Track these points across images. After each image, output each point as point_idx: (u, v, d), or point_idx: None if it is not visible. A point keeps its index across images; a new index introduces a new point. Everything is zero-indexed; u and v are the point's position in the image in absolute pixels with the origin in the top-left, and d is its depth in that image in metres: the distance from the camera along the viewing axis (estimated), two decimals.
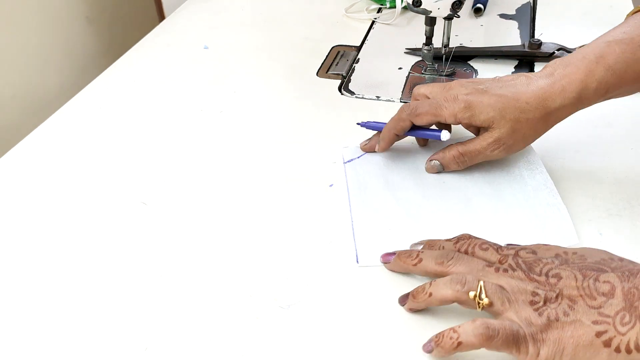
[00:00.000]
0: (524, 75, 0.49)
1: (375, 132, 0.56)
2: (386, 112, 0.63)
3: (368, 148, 0.56)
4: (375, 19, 0.84)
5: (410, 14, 0.84)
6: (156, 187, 0.54)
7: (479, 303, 0.36)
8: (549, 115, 0.48)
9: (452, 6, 0.61)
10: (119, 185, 0.54)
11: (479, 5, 0.83)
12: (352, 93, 0.67)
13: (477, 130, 0.52)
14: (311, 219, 0.49)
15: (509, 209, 0.49)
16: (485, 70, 0.70)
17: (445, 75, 0.68)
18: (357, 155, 0.56)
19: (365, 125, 0.56)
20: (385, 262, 0.44)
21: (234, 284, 0.44)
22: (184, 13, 0.89)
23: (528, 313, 0.35)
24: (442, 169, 0.52)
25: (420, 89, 0.54)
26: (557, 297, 0.35)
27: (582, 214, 0.48)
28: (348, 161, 0.56)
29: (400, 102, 0.65)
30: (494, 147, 0.49)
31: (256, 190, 0.53)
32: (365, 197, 0.51)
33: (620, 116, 0.59)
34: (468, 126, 0.51)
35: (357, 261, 0.45)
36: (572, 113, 0.49)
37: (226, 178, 0.55)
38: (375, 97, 0.66)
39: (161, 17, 1.12)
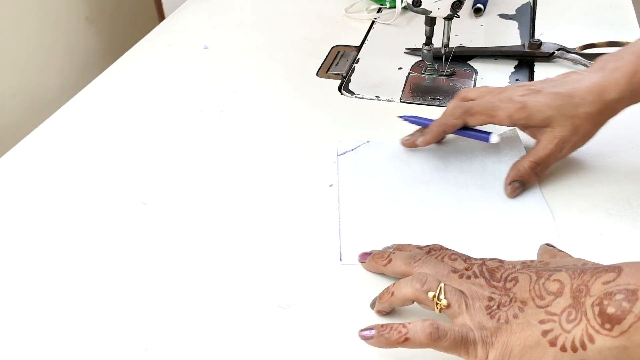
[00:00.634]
0: (574, 73, 0.50)
1: (418, 127, 0.55)
2: (386, 112, 0.63)
3: (409, 144, 0.55)
4: (375, 19, 0.84)
5: (410, 14, 0.84)
6: (156, 187, 0.54)
7: (437, 304, 0.36)
8: (606, 108, 0.48)
9: (452, 6, 0.61)
10: (119, 185, 0.54)
11: (479, 5, 0.83)
12: (352, 93, 0.67)
13: (533, 133, 0.51)
14: (311, 219, 0.49)
15: (497, 213, 0.49)
16: (485, 70, 0.70)
17: (445, 75, 0.68)
18: (351, 148, 0.56)
19: (409, 119, 0.55)
20: (361, 262, 0.45)
21: (234, 284, 0.44)
22: (184, 13, 0.89)
23: (481, 317, 0.35)
24: (524, 187, 0.50)
25: (469, 93, 0.53)
26: (510, 300, 0.35)
27: (582, 214, 0.48)
28: (342, 154, 0.56)
29: (400, 102, 0.65)
30: (560, 147, 0.49)
31: (256, 190, 0.53)
32: (355, 194, 0.51)
33: (619, 116, 0.59)
34: (524, 127, 0.50)
35: (341, 259, 0.45)
36: (627, 106, 0.48)
37: (226, 178, 0.55)
38: (375, 97, 0.66)
39: (161, 17, 1.12)
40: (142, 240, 0.48)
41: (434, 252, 0.42)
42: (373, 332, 0.36)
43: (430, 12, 0.62)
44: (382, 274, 0.44)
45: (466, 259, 0.40)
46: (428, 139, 0.52)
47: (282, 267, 0.45)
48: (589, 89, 0.47)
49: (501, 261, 0.39)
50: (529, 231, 0.47)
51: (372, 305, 0.41)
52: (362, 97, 0.66)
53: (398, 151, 0.56)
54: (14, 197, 0.54)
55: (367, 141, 0.58)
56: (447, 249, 0.42)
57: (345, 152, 0.56)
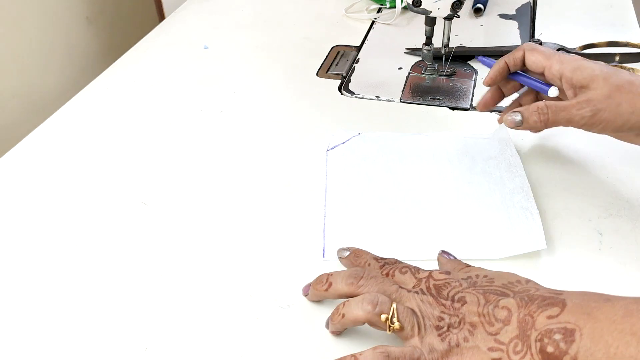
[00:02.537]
0: None
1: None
2: (386, 112, 0.63)
3: (482, 105, 0.56)
4: (375, 19, 0.84)
5: (410, 14, 0.85)
6: (156, 187, 0.54)
7: (389, 327, 0.36)
8: None
9: (452, 6, 0.61)
10: (119, 185, 0.54)
11: (479, 5, 0.83)
12: (352, 93, 0.67)
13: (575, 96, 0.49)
14: (312, 219, 0.49)
15: (485, 210, 0.49)
16: (485, 70, 0.69)
17: (445, 75, 0.68)
18: (342, 141, 0.56)
19: (483, 60, 0.59)
20: (304, 295, 0.43)
21: (234, 284, 0.44)
22: (184, 13, 0.89)
23: (432, 339, 0.36)
24: (521, 123, 0.48)
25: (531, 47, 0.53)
26: (460, 322, 0.35)
27: (582, 214, 0.48)
28: (331, 148, 0.56)
29: (400, 102, 0.65)
30: (582, 106, 0.46)
31: (256, 191, 0.53)
32: (341, 189, 0.51)
33: None
34: (569, 87, 0.48)
35: (323, 255, 0.45)
36: None
37: (226, 178, 0.55)
38: (375, 97, 0.66)
39: (161, 17, 1.12)
40: (142, 241, 0.48)
41: (388, 265, 0.41)
42: None
43: (430, 12, 0.62)
44: None
45: (415, 271, 0.40)
46: (491, 75, 0.54)
47: (282, 267, 0.45)
48: None
49: (448, 273, 0.39)
50: (515, 232, 0.46)
51: (327, 325, 0.40)
52: (362, 97, 0.66)
53: (389, 144, 0.56)
54: (14, 197, 0.54)
55: (359, 133, 0.58)
56: (400, 262, 0.42)
57: (335, 147, 0.56)
